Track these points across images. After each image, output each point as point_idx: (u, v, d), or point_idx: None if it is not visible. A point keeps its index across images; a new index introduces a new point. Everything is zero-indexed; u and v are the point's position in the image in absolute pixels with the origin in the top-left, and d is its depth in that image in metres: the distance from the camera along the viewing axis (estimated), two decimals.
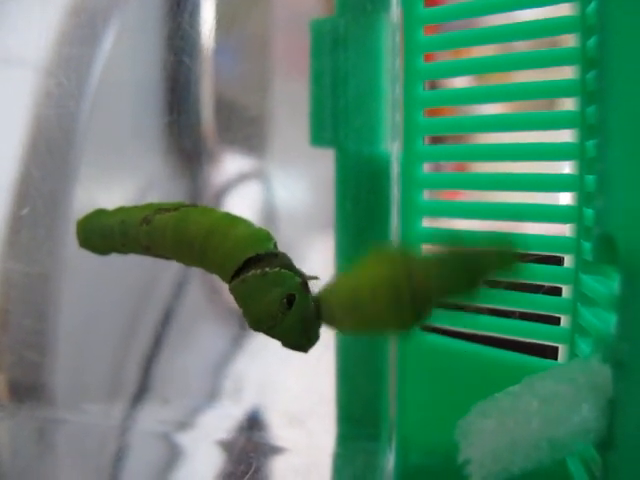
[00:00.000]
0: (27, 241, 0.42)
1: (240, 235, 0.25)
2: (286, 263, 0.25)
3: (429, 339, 0.33)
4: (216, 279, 0.26)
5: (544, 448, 0.23)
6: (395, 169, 0.33)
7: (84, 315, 0.44)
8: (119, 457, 0.38)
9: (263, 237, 0.25)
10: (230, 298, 0.25)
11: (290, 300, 0.24)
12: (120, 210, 0.31)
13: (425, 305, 0.22)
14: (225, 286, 0.25)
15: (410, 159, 0.32)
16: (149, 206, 0.29)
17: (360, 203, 0.33)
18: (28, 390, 0.42)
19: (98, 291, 0.44)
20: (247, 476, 0.34)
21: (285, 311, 0.24)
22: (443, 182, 0.32)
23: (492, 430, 0.24)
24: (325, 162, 0.45)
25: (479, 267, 0.22)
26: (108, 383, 0.44)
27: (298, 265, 0.25)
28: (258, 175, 0.50)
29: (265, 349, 0.45)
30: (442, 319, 0.32)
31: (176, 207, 0.28)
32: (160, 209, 0.28)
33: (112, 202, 0.44)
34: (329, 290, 0.25)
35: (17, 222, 0.42)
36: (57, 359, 0.42)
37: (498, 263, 0.22)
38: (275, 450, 0.39)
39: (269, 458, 0.38)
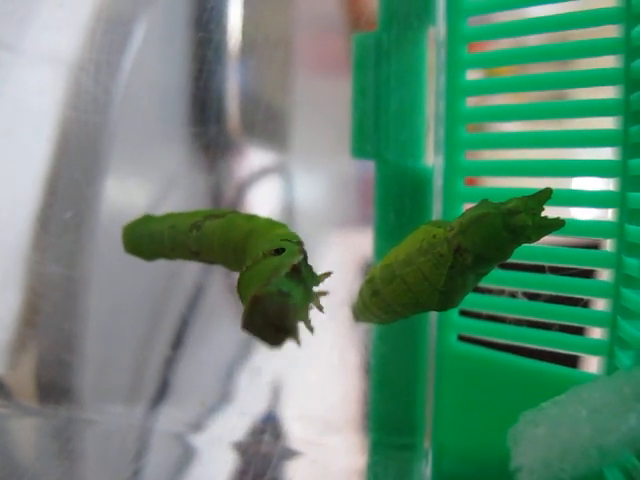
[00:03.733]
0: (56, 241, 0.42)
1: (274, 234, 0.25)
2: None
3: (465, 349, 0.34)
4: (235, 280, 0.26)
5: (593, 456, 0.24)
6: (438, 183, 0.33)
7: (108, 316, 0.44)
8: (137, 458, 0.39)
9: (292, 237, 0.25)
10: None
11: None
12: (169, 216, 0.31)
13: (465, 261, 0.23)
14: None
15: (452, 173, 0.33)
16: (198, 213, 0.30)
17: (403, 215, 0.34)
18: (53, 390, 0.42)
19: (120, 293, 0.45)
20: (262, 479, 0.34)
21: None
22: (484, 196, 0.32)
23: (543, 438, 0.24)
24: (345, 160, 0.45)
25: (515, 224, 0.23)
26: (129, 384, 0.44)
27: (312, 260, 0.25)
28: (279, 171, 0.50)
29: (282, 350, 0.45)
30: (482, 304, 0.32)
31: (224, 214, 0.28)
32: (209, 215, 0.29)
33: (138, 198, 0.45)
34: (374, 268, 0.27)
35: (48, 223, 0.42)
36: (83, 360, 0.42)
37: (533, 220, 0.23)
38: (291, 453, 0.39)
39: (284, 461, 0.38)
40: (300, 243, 0.25)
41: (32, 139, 0.42)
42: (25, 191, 0.41)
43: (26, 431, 0.41)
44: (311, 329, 0.23)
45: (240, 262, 0.26)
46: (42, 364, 0.42)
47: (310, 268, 0.23)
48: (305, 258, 0.23)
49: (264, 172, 0.52)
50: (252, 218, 0.28)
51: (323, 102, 0.51)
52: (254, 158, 0.51)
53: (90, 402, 0.42)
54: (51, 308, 0.42)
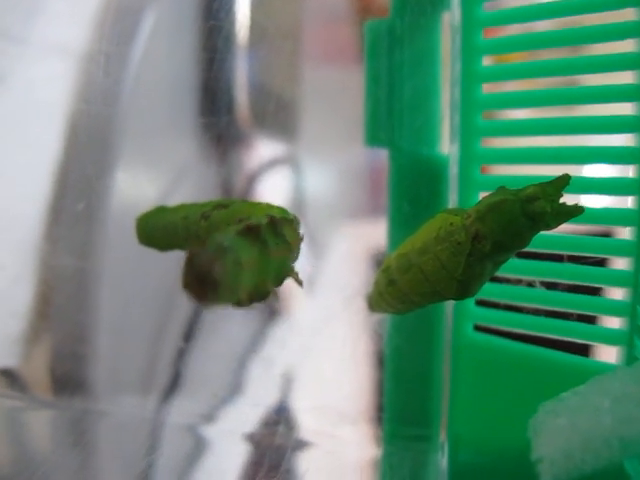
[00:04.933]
0: (68, 234, 0.42)
1: (259, 209, 0.25)
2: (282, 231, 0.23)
3: (481, 339, 0.33)
4: None
5: (615, 447, 0.24)
6: (453, 171, 0.33)
7: (120, 308, 0.44)
8: (151, 450, 0.38)
9: (277, 211, 0.24)
10: None
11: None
12: (182, 207, 0.31)
13: (483, 248, 0.23)
14: None
15: (467, 161, 0.32)
16: (208, 203, 0.30)
17: (418, 204, 0.33)
18: (67, 382, 0.42)
19: (132, 285, 0.45)
20: (275, 471, 0.34)
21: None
22: (500, 183, 0.32)
23: (564, 429, 0.24)
24: (355, 150, 0.45)
25: (533, 211, 0.22)
26: (142, 376, 0.44)
27: (323, 251, 0.25)
28: (290, 161, 0.50)
29: (292, 338, 0.45)
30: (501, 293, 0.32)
31: (231, 203, 0.28)
32: (218, 205, 0.29)
33: (149, 190, 0.45)
34: (389, 258, 0.27)
35: (60, 215, 0.42)
36: (96, 352, 0.42)
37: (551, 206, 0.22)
38: (305, 445, 0.39)
39: (298, 453, 0.38)
40: (282, 215, 0.23)
41: (42, 132, 0.42)
42: (36, 184, 0.41)
43: (41, 423, 0.42)
44: (300, 283, 0.23)
45: None
46: (56, 356, 0.42)
47: (283, 237, 0.22)
48: (275, 225, 0.22)
49: (274, 163, 0.52)
50: (255, 205, 0.28)
51: (333, 92, 0.51)
52: (264, 149, 0.50)
53: (103, 394, 0.42)
54: (64, 300, 0.42)
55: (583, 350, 0.32)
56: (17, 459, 0.36)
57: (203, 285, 0.18)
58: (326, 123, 0.50)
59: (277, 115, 0.49)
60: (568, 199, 0.23)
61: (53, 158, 0.41)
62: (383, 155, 0.37)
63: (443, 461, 0.34)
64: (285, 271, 0.23)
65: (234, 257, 0.19)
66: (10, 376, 0.41)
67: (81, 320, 0.41)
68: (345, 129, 0.46)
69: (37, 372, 0.42)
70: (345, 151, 0.50)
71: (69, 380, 0.41)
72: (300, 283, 0.24)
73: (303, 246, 0.25)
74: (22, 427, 0.40)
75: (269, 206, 0.26)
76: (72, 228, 0.41)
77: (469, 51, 0.32)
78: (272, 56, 0.49)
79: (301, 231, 0.25)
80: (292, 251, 0.23)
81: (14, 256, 0.41)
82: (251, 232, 0.21)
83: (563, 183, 0.23)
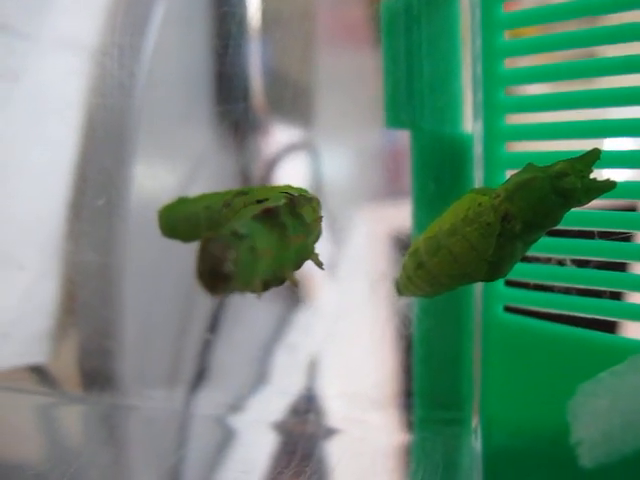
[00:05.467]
0: (90, 229, 0.42)
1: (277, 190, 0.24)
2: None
3: (512, 320, 0.33)
4: None
5: None
6: (478, 149, 0.32)
7: (144, 302, 0.44)
8: (181, 442, 0.39)
9: (295, 190, 0.24)
10: None
11: None
12: (203, 197, 0.31)
13: (514, 228, 0.23)
14: None
15: (492, 138, 0.32)
16: (229, 192, 0.29)
17: (443, 185, 0.33)
18: (96, 377, 0.42)
19: (156, 278, 0.45)
20: (307, 460, 0.34)
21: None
22: (527, 161, 0.31)
23: (604, 411, 0.23)
24: (373, 133, 0.44)
25: (564, 187, 0.22)
26: (168, 368, 0.44)
27: (345, 235, 0.24)
28: (307, 147, 0.50)
29: (317, 324, 0.45)
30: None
31: (251, 190, 0.28)
32: (238, 193, 0.28)
33: (167, 181, 0.45)
34: (417, 241, 0.26)
35: (81, 211, 0.42)
36: (123, 346, 0.42)
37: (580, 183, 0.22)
38: (335, 432, 0.39)
39: (329, 440, 0.38)
40: (300, 194, 0.23)
41: (59, 128, 0.42)
42: (55, 181, 0.41)
43: (72, 419, 0.42)
44: (320, 264, 0.22)
45: None
46: (83, 352, 0.42)
47: (302, 218, 0.22)
48: (294, 205, 0.22)
49: (292, 148, 0.51)
50: (275, 188, 0.27)
51: (348, 75, 0.50)
52: (282, 135, 0.50)
53: (132, 388, 0.42)
54: (89, 296, 0.42)
55: (610, 327, 0.31)
56: (50, 455, 0.36)
57: (216, 274, 0.17)
58: (342, 106, 0.49)
59: (293, 100, 0.48)
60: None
61: (71, 154, 0.41)
62: (402, 136, 0.36)
63: (477, 444, 0.34)
64: (305, 253, 0.22)
65: (250, 244, 0.18)
66: (40, 373, 0.41)
67: (107, 315, 0.41)
68: (362, 111, 0.46)
69: (66, 368, 0.42)
70: (363, 134, 0.49)
71: (98, 375, 0.41)
72: (320, 265, 0.23)
73: (324, 230, 0.24)
74: (54, 423, 0.41)
75: (288, 187, 0.26)
76: (94, 224, 0.41)
77: (490, 25, 0.31)
78: (286, 40, 0.48)
79: (321, 212, 0.24)
80: (312, 232, 0.22)
81: (38, 254, 0.41)
82: (269, 215, 0.20)
83: (593, 158, 0.23)
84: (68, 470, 0.32)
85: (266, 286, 0.20)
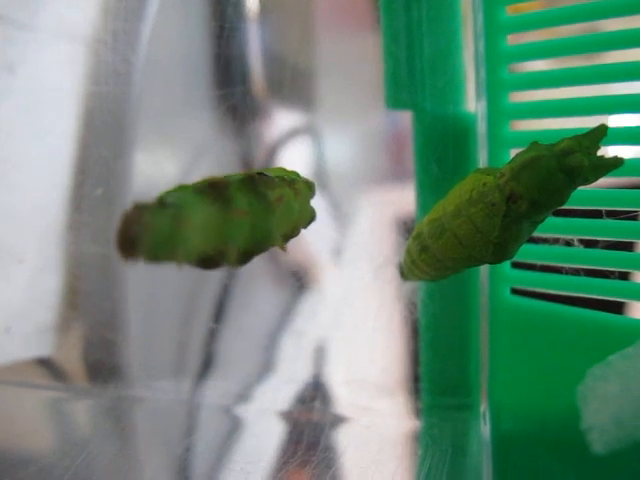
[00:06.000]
0: (90, 220, 0.42)
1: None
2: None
3: (519, 302, 0.32)
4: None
5: None
6: (481, 128, 0.31)
7: (147, 292, 0.44)
8: (188, 433, 0.38)
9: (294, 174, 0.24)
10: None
11: None
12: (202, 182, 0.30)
13: (519, 208, 0.22)
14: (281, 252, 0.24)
15: (496, 117, 0.31)
16: (227, 177, 0.29)
17: (446, 166, 0.32)
18: (101, 369, 0.42)
19: (158, 268, 0.44)
20: (314, 448, 0.34)
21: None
22: (531, 139, 0.30)
23: (615, 395, 0.23)
24: (375, 115, 0.43)
25: (571, 165, 0.21)
26: (174, 359, 0.44)
27: (349, 220, 0.24)
28: (308, 130, 0.49)
29: (323, 311, 0.44)
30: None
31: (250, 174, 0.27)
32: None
33: (168, 168, 0.44)
34: (420, 224, 0.26)
35: (80, 202, 0.41)
36: (127, 337, 0.42)
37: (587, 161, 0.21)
38: (343, 420, 0.38)
39: (337, 428, 0.38)
40: (289, 176, 0.23)
41: (56, 118, 0.42)
42: (54, 172, 0.41)
43: (78, 411, 0.42)
44: (283, 249, 0.22)
45: None
46: (88, 344, 0.42)
47: (263, 197, 0.21)
48: (254, 183, 0.21)
49: (294, 133, 0.50)
50: (267, 171, 0.27)
51: (348, 56, 0.49)
52: (283, 119, 0.49)
53: (138, 379, 0.42)
54: (91, 287, 0.42)
55: (619, 308, 0.30)
56: (57, 448, 0.36)
57: (126, 239, 0.17)
58: (343, 88, 0.48)
59: (294, 83, 0.48)
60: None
61: (69, 144, 0.41)
62: (406, 117, 0.35)
63: (485, 430, 0.34)
64: (263, 233, 0.21)
65: (174, 213, 0.18)
66: (44, 366, 0.41)
67: (110, 306, 0.41)
68: (363, 93, 0.45)
69: (71, 361, 0.42)
70: (365, 116, 0.48)
71: (103, 367, 0.41)
72: (284, 249, 0.23)
73: (327, 215, 0.24)
74: (60, 415, 0.40)
75: (281, 169, 0.25)
76: (94, 214, 0.41)
77: (491, 1, 0.30)
78: (285, 22, 0.47)
79: (314, 195, 0.24)
80: (272, 212, 0.22)
81: (38, 247, 0.40)
82: (214, 189, 0.20)
83: (600, 134, 0.22)
84: (75, 462, 0.32)
85: (204, 259, 0.20)
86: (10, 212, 0.40)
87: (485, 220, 0.23)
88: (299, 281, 0.46)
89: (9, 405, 0.39)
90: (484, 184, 0.23)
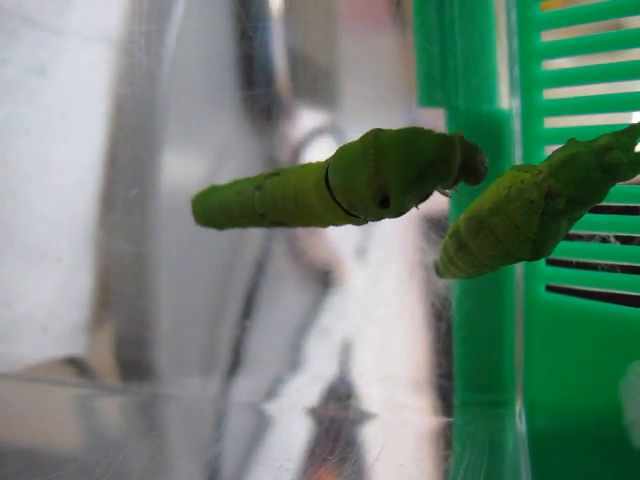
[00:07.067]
0: (123, 219, 0.42)
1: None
2: None
3: (554, 299, 0.32)
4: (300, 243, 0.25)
5: None
6: (516, 126, 0.31)
7: (178, 291, 0.44)
8: (219, 432, 0.39)
9: None
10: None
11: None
12: (234, 183, 0.31)
13: (558, 206, 0.22)
14: (307, 248, 0.24)
15: (530, 114, 0.31)
16: (260, 175, 0.29)
17: None
18: (134, 367, 0.42)
19: (188, 267, 0.45)
20: (352, 446, 0.34)
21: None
22: (566, 136, 0.30)
23: None
24: (398, 115, 0.44)
25: (609, 162, 0.21)
26: (204, 356, 0.44)
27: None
28: (332, 130, 0.49)
29: (353, 308, 0.44)
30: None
31: (281, 171, 0.28)
32: (269, 175, 0.28)
33: (195, 169, 0.44)
34: (457, 221, 0.26)
35: (114, 201, 0.42)
36: (159, 335, 0.43)
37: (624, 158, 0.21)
38: (373, 417, 0.39)
39: (367, 426, 0.38)
40: None
41: (89, 119, 0.42)
42: (88, 172, 0.41)
43: (112, 410, 0.42)
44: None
45: (300, 209, 0.26)
46: (120, 343, 0.42)
47: None
48: None
49: (319, 132, 0.51)
50: (306, 166, 0.27)
51: (372, 55, 0.49)
52: (307, 119, 0.49)
53: (169, 377, 0.42)
54: (124, 286, 0.42)
55: None
56: (94, 447, 0.36)
57: None
58: (368, 87, 0.48)
59: (318, 82, 0.48)
60: None
61: (102, 145, 0.41)
62: (433, 116, 0.35)
63: (521, 427, 0.33)
64: None
65: None
66: (78, 364, 0.42)
67: (142, 305, 0.42)
68: (388, 92, 0.45)
69: (103, 359, 0.42)
70: (389, 115, 0.48)
71: (135, 366, 0.42)
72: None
73: None
74: (95, 415, 0.41)
75: (319, 164, 0.25)
76: (127, 214, 0.41)
77: None
78: (309, 21, 0.47)
79: None
80: None
81: (72, 247, 0.41)
82: None
83: (637, 131, 0.22)
84: (113, 462, 0.32)
85: None
86: (45, 213, 0.41)
87: (524, 217, 0.23)
88: (326, 279, 0.46)
89: (45, 404, 0.40)
90: (522, 181, 0.23)
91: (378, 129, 0.21)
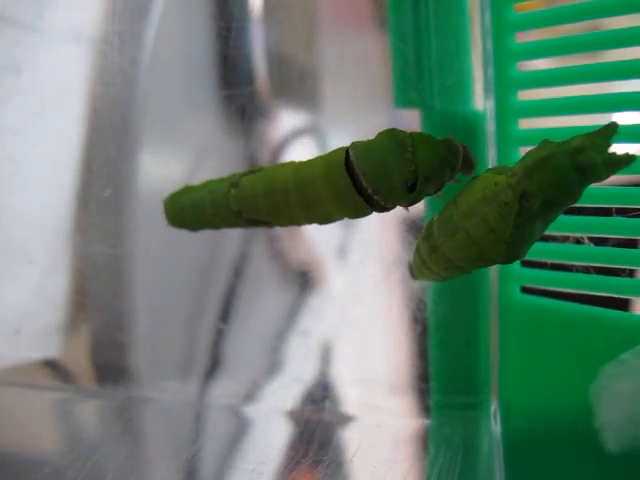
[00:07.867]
0: (98, 221, 0.42)
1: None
2: None
3: (529, 300, 0.32)
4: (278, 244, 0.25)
5: None
6: (490, 127, 0.31)
7: (155, 293, 0.44)
8: (197, 434, 0.38)
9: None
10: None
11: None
12: (207, 183, 0.30)
13: (533, 207, 0.22)
14: (286, 249, 0.25)
15: (504, 116, 0.31)
16: (234, 175, 0.29)
17: None
18: (109, 370, 0.42)
19: (165, 268, 0.44)
20: (326, 448, 0.34)
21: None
22: (541, 137, 0.30)
23: (629, 393, 0.23)
24: (380, 115, 0.43)
25: (584, 163, 0.21)
26: (181, 359, 0.44)
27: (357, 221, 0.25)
28: (312, 131, 0.49)
29: (330, 310, 0.44)
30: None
31: (260, 168, 0.28)
32: (246, 173, 0.28)
33: (173, 169, 0.44)
34: (430, 224, 0.26)
35: (88, 203, 0.41)
36: (135, 338, 0.42)
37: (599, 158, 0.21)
38: (352, 419, 0.38)
39: (346, 428, 0.38)
40: None
41: (63, 119, 0.42)
42: (62, 172, 0.41)
43: (87, 413, 0.42)
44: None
45: (291, 202, 0.26)
46: (96, 345, 0.42)
47: None
48: None
49: (299, 133, 0.50)
50: (286, 165, 0.27)
51: (353, 56, 0.49)
52: (288, 119, 0.49)
53: (146, 380, 0.42)
54: (99, 289, 0.42)
55: (627, 306, 0.30)
56: (67, 450, 0.36)
57: None
58: (349, 88, 0.48)
59: (299, 83, 0.48)
60: None
61: (76, 146, 0.41)
62: (411, 117, 0.35)
63: (496, 428, 0.33)
64: None
65: None
66: (52, 367, 0.41)
67: (118, 307, 0.41)
68: (369, 93, 0.45)
69: (79, 362, 0.42)
70: (370, 116, 0.48)
71: (111, 368, 0.41)
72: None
73: None
74: (70, 418, 0.40)
75: (326, 155, 0.26)
76: (101, 215, 0.41)
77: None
78: (290, 22, 0.47)
79: None
80: None
81: (46, 248, 0.40)
82: None
83: (611, 132, 0.22)
84: (85, 465, 0.32)
85: None
86: (18, 213, 0.40)
87: (499, 219, 0.23)
88: (305, 280, 0.46)
89: (18, 407, 0.39)
90: (495, 183, 0.23)
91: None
